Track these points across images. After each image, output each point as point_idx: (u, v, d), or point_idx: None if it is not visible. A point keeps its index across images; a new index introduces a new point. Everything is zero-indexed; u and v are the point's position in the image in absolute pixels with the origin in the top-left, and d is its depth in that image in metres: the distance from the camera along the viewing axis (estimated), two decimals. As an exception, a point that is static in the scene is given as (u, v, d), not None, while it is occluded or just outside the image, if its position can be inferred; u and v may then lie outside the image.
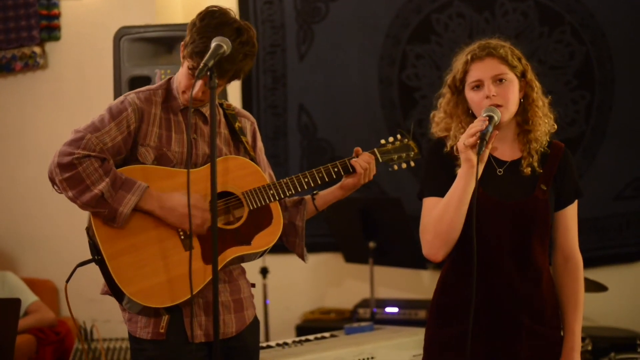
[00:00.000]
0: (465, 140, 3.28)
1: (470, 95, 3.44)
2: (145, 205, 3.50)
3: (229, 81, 3.63)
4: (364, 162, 3.75)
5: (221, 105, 3.80)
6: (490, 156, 3.45)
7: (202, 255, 3.55)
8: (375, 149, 3.83)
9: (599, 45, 6.90)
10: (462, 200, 3.33)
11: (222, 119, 3.77)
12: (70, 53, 7.12)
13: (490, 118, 3.29)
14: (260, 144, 3.90)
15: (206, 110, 3.68)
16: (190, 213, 3.41)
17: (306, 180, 3.72)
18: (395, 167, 3.87)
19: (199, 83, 3.47)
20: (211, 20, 3.50)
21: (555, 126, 3.53)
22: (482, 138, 3.24)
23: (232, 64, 3.51)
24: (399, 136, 3.89)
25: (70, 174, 3.44)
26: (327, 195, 3.83)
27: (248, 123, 3.87)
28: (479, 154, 3.24)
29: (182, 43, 3.58)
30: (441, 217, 3.37)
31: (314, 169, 3.75)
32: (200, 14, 3.55)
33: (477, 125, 3.27)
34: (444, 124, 3.53)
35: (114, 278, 3.48)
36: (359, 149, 3.82)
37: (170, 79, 3.73)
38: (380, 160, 3.83)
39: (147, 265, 3.51)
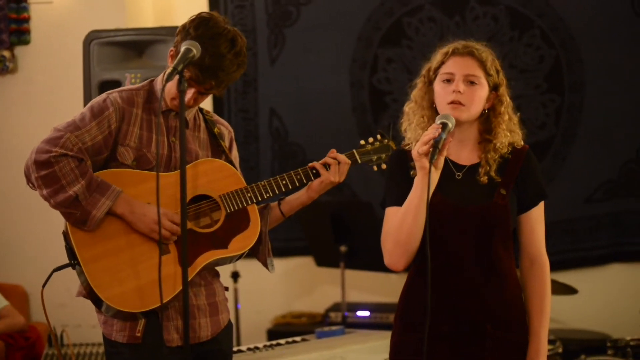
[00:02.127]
0: (418, 148, 3.25)
1: (438, 86, 3.42)
2: (118, 209, 3.48)
3: (223, 90, 3.64)
4: (329, 159, 3.77)
5: (201, 110, 3.79)
6: (449, 160, 3.44)
7: (178, 259, 3.54)
8: (354, 150, 3.84)
9: (569, 49, 6.94)
10: (419, 209, 3.30)
11: (202, 124, 3.77)
12: (40, 57, 7.08)
13: (444, 125, 3.25)
14: (235, 153, 3.89)
15: (187, 114, 3.66)
16: (160, 221, 3.40)
17: (284, 182, 3.72)
18: (375, 167, 3.88)
19: (172, 85, 3.48)
20: (206, 30, 3.49)
21: (522, 143, 3.50)
22: (435, 146, 3.21)
23: (227, 75, 3.53)
24: (378, 137, 3.89)
25: (46, 172, 3.42)
26: (293, 201, 3.82)
27: (226, 131, 3.86)
28: (431, 162, 3.20)
29: (173, 49, 3.57)
30: (400, 226, 3.35)
31: (292, 171, 3.75)
32: (193, 21, 3.53)
33: (430, 133, 3.24)
34: (413, 115, 3.50)
35: (89, 283, 3.46)
36: (334, 150, 3.82)
37: (152, 80, 3.71)
38: (359, 161, 3.84)
39: (123, 270, 3.49)
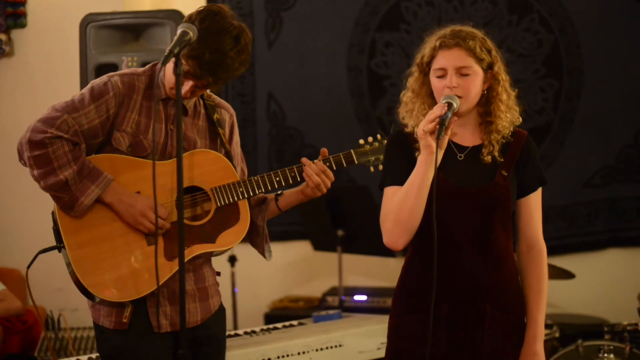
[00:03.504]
0: (424, 126, 3.28)
1: (434, 81, 3.44)
2: (107, 197, 3.47)
3: (221, 86, 3.62)
4: (316, 177, 3.70)
5: (201, 95, 3.75)
6: (451, 142, 3.44)
7: (164, 251, 3.52)
8: (352, 150, 3.80)
9: (568, 33, 6.92)
10: (422, 187, 3.33)
11: (202, 111, 3.73)
12: (36, 40, 7.06)
13: (450, 105, 3.29)
14: (237, 137, 3.87)
15: (187, 102, 3.64)
16: (157, 211, 3.39)
17: (277, 179, 3.69)
18: (372, 168, 3.85)
19: (171, 74, 3.46)
20: (212, 24, 3.43)
21: (521, 119, 3.51)
22: (441, 124, 3.24)
23: (227, 72, 3.50)
24: (378, 136, 3.86)
25: (39, 153, 3.40)
26: (290, 197, 3.80)
27: (227, 115, 3.83)
28: (438, 140, 3.24)
29: None
30: (402, 205, 3.36)
31: (287, 167, 3.72)
32: (200, 13, 3.47)
33: (436, 111, 3.28)
34: (412, 104, 3.52)
35: (74, 270, 3.45)
36: (325, 150, 3.78)
37: (154, 64, 3.67)
38: (357, 162, 3.80)
39: (108, 258, 3.49)
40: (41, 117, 3.46)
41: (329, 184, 3.75)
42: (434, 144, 3.27)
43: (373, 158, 3.84)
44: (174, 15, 5.20)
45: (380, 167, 3.78)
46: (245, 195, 3.65)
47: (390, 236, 3.41)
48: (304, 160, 3.75)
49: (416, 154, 3.40)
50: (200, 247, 3.58)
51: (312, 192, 3.74)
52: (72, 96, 3.53)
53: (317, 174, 3.71)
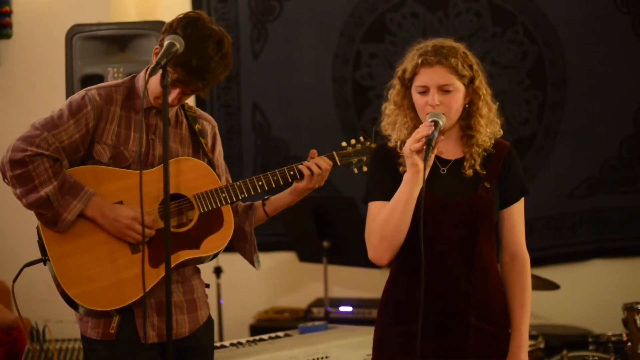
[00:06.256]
0: (411, 145, 3.28)
1: (416, 96, 3.45)
2: (89, 212, 3.47)
3: (208, 91, 3.64)
4: (314, 166, 3.74)
5: (182, 106, 3.76)
6: (434, 156, 3.45)
7: (149, 258, 3.52)
8: (334, 152, 3.82)
9: (552, 45, 6.96)
10: (408, 204, 3.33)
11: (184, 120, 3.74)
12: (22, 51, 7.04)
13: (436, 123, 3.29)
14: (219, 148, 3.88)
15: (168, 112, 3.64)
16: (143, 221, 3.39)
17: (260, 183, 3.70)
18: (355, 170, 3.85)
19: (156, 83, 3.46)
20: (194, 31, 3.47)
21: (501, 132, 3.53)
22: (429, 143, 3.24)
23: (214, 77, 3.52)
24: (361, 138, 3.87)
25: (20, 172, 3.41)
26: (277, 201, 3.81)
27: (209, 126, 3.84)
28: (425, 159, 3.25)
29: (157, 47, 3.53)
30: (387, 221, 3.38)
31: (269, 172, 3.73)
32: (181, 20, 3.51)
33: (422, 131, 3.28)
34: (394, 116, 3.53)
35: (58, 280, 3.45)
36: (315, 151, 3.80)
37: (134, 77, 3.69)
38: (339, 163, 3.81)
39: (93, 268, 3.48)
40: (21, 136, 3.46)
41: (322, 180, 3.76)
42: (420, 164, 3.27)
43: (356, 160, 3.84)
44: (160, 27, 5.13)
45: (364, 168, 3.79)
46: (228, 201, 3.65)
47: (376, 252, 3.43)
48: (313, 151, 3.79)
49: (400, 169, 3.42)
50: (185, 253, 3.58)
51: (303, 187, 3.73)
52: (50, 112, 3.53)
53: (316, 163, 3.74)
